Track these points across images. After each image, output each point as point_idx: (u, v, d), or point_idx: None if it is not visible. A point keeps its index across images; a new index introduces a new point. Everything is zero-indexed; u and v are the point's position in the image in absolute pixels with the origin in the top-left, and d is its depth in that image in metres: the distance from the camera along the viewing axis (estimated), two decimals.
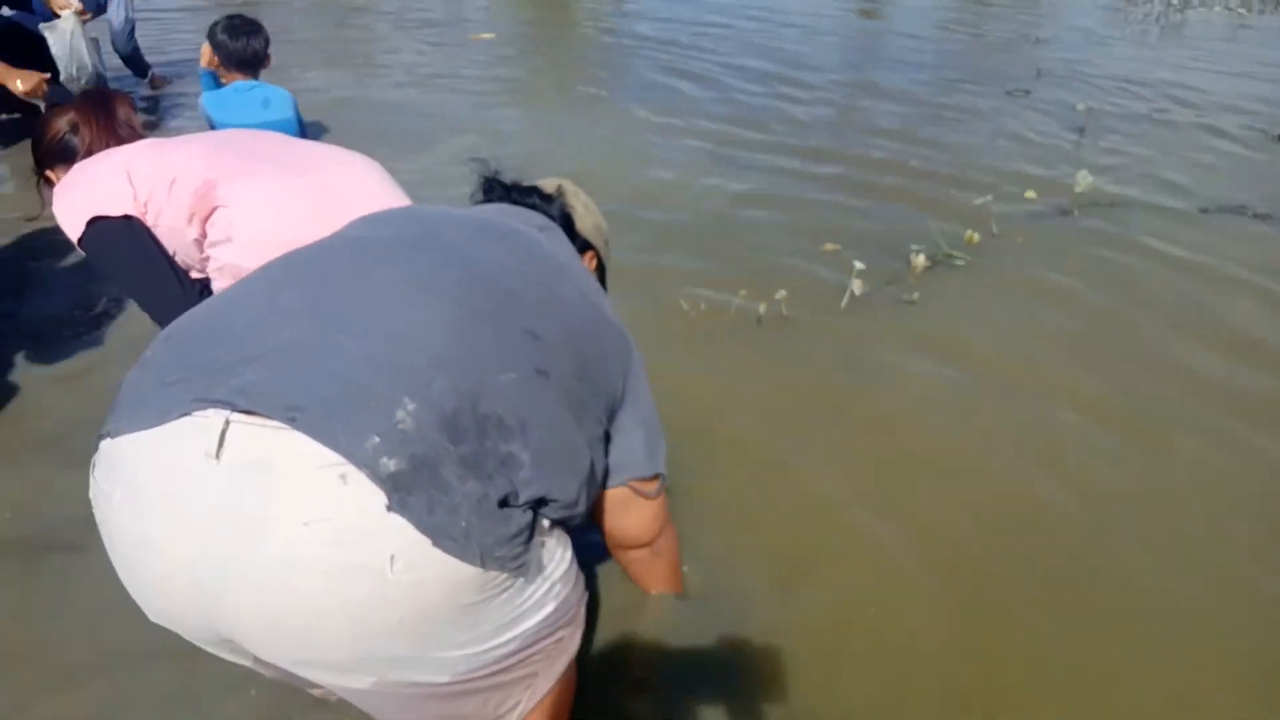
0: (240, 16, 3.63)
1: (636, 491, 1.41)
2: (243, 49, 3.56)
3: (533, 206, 1.53)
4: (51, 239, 3.14)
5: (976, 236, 3.29)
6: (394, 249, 1.20)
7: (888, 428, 2.28)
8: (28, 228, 3.35)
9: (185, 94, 5.10)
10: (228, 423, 0.95)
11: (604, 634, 1.66)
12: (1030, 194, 3.65)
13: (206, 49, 3.68)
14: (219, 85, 3.80)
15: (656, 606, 1.70)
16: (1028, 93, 5.58)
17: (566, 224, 1.56)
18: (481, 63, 6.05)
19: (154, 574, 1.00)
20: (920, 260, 3.11)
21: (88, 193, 1.90)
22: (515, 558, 1.04)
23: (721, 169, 4.13)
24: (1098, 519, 1.98)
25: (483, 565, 0.99)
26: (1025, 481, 2.10)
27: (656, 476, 1.43)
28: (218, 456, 0.94)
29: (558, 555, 1.19)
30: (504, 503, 1.01)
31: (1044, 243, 3.41)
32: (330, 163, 2.08)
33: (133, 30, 5.05)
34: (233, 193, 1.92)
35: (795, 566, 1.84)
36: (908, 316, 2.84)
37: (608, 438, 1.34)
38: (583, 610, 1.31)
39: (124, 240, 1.91)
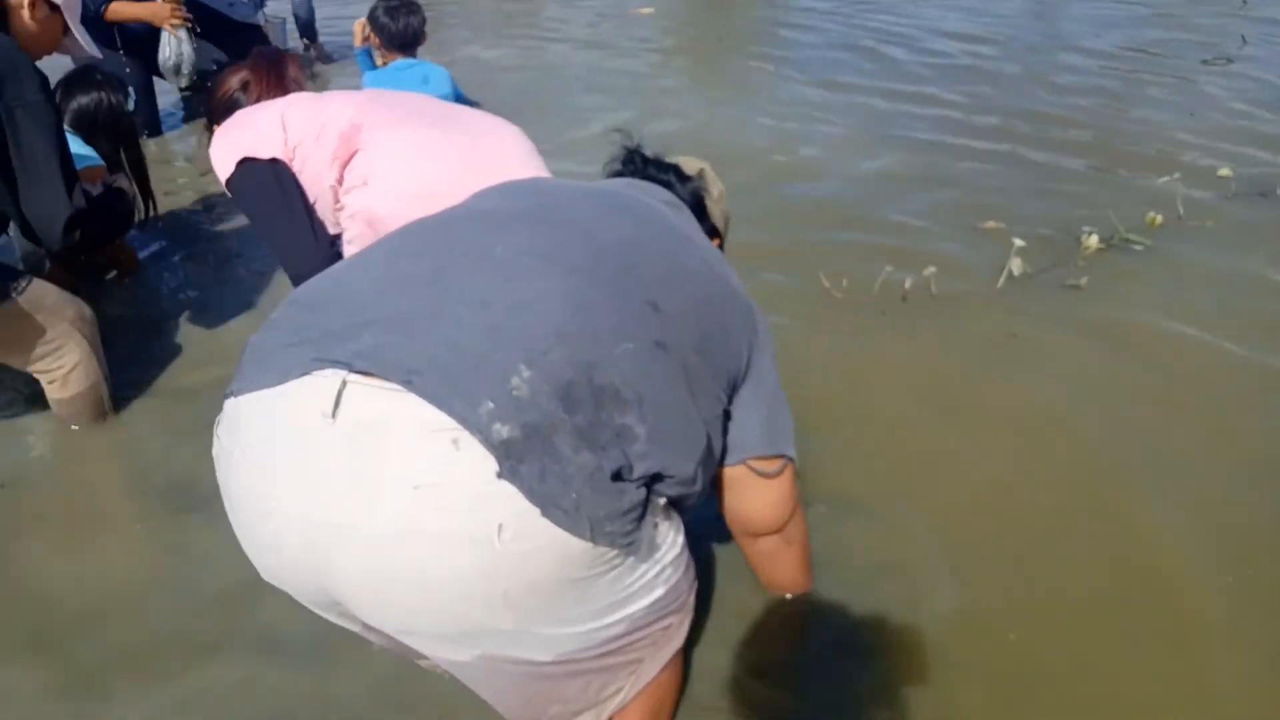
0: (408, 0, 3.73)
1: (755, 471, 1.36)
2: (403, 29, 3.66)
3: (667, 184, 1.50)
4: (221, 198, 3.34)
5: (1159, 219, 3.00)
6: (518, 221, 1.21)
7: (1033, 421, 2.09)
8: (207, 182, 3.60)
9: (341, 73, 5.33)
10: (344, 383, 0.96)
11: (715, 627, 1.60)
12: (1224, 172, 3.29)
13: (359, 27, 3.80)
14: (374, 65, 3.93)
15: (774, 598, 1.63)
16: (1229, 61, 5.05)
17: (698, 206, 1.53)
18: (641, 36, 6.01)
19: (267, 531, 1.03)
20: (1092, 242, 2.85)
21: (241, 135, 1.98)
22: (626, 534, 1.01)
23: (882, 142, 3.95)
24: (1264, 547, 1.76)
25: (592, 539, 0.97)
26: (1172, 497, 1.89)
27: (779, 457, 1.36)
28: (334, 416, 0.95)
29: (670, 538, 1.16)
30: (617, 476, 0.99)
31: (1238, 228, 3.07)
32: (476, 126, 2.09)
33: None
34: (375, 138, 1.94)
35: (914, 559, 1.73)
36: (1071, 302, 2.61)
37: (728, 415, 1.30)
38: (692, 599, 1.28)
39: (267, 183, 1.96)
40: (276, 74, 2.19)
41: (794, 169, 3.68)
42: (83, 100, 2.65)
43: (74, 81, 2.68)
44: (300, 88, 2.21)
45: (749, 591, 1.63)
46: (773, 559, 1.55)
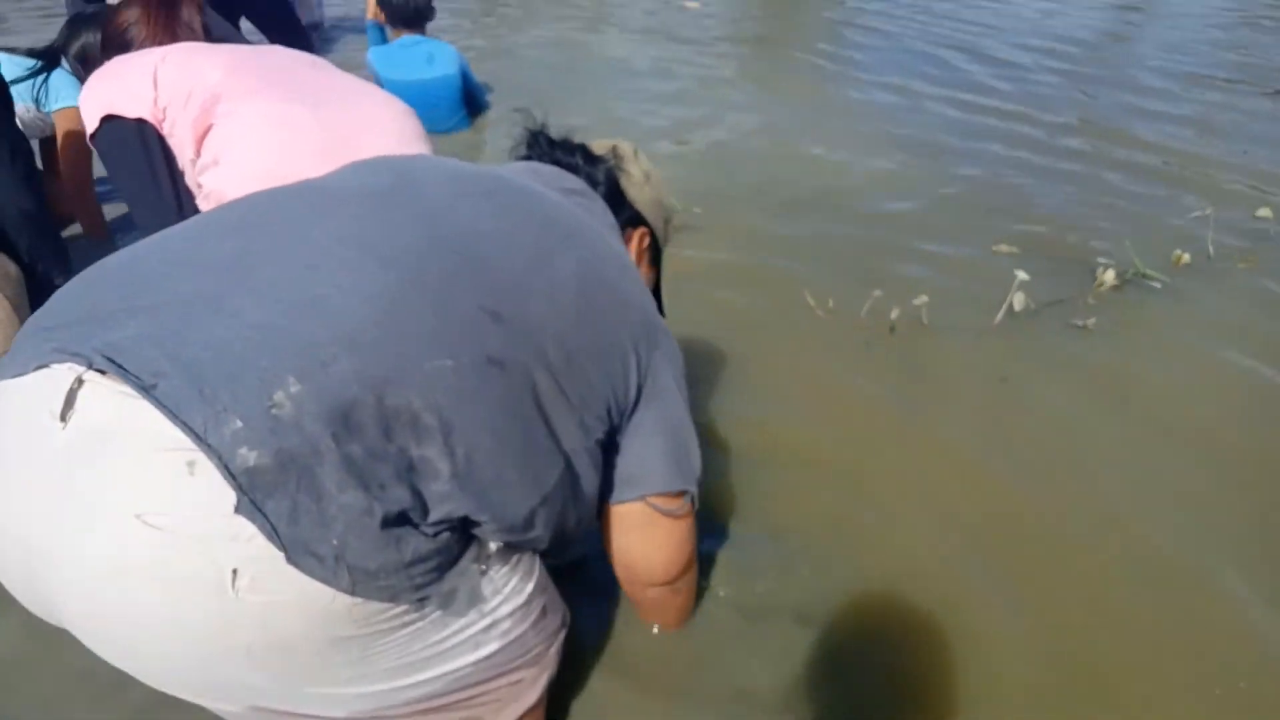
0: None
1: (657, 509, 1.20)
2: (405, 5, 3.57)
3: (572, 168, 1.35)
4: None
5: (1186, 257, 2.78)
6: (355, 202, 1.02)
7: (1009, 477, 1.90)
8: None
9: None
10: (80, 381, 0.81)
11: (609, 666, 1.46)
12: (1264, 213, 3.04)
13: (372, 2, 3.73)
14: (384, 39, 3.85)
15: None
16: None
17: (613, 191, 1.37)
18: (689, 33, 5.84)
19: None
20: (1107, 277, 2.64)
21: (110, 88, 1.80)
22: (416, 588, 0.86)
23: (913, 150, 3.76)
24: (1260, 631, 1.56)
25: (354, 593, 0.81)
26: (1169, 568, 1.69)
27: (683, 494, 1.21)
28: (63, 419, 0.81)
29: (509, 585, 1.02)
30: (400, 520, 0.83)
31: (1270, 272, 2.83)
32: (357, 102, 1.89)
33: None
34: (234, 109, 1.75)
35: (863, 606, 1.56)
36: (1075, 344, 2.40)
37: (612, 444, 1.15)
38: (554, 650, 1.15)
39: (132, 144, 1.78)
40: (167, 14, 1.97)
41: (821, 176, 3.51)
42: (89, 39, 2.58)
43: (82, 19, 2.61)
44: (193, 35, 1.98)
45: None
46: (658, 606, 1.42)
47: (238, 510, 0.76)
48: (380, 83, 3.72)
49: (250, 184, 1.57)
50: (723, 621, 1.52)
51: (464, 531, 0.92)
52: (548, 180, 1.26)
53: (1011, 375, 2.25)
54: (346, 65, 4.81)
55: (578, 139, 1.41)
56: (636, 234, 1.41)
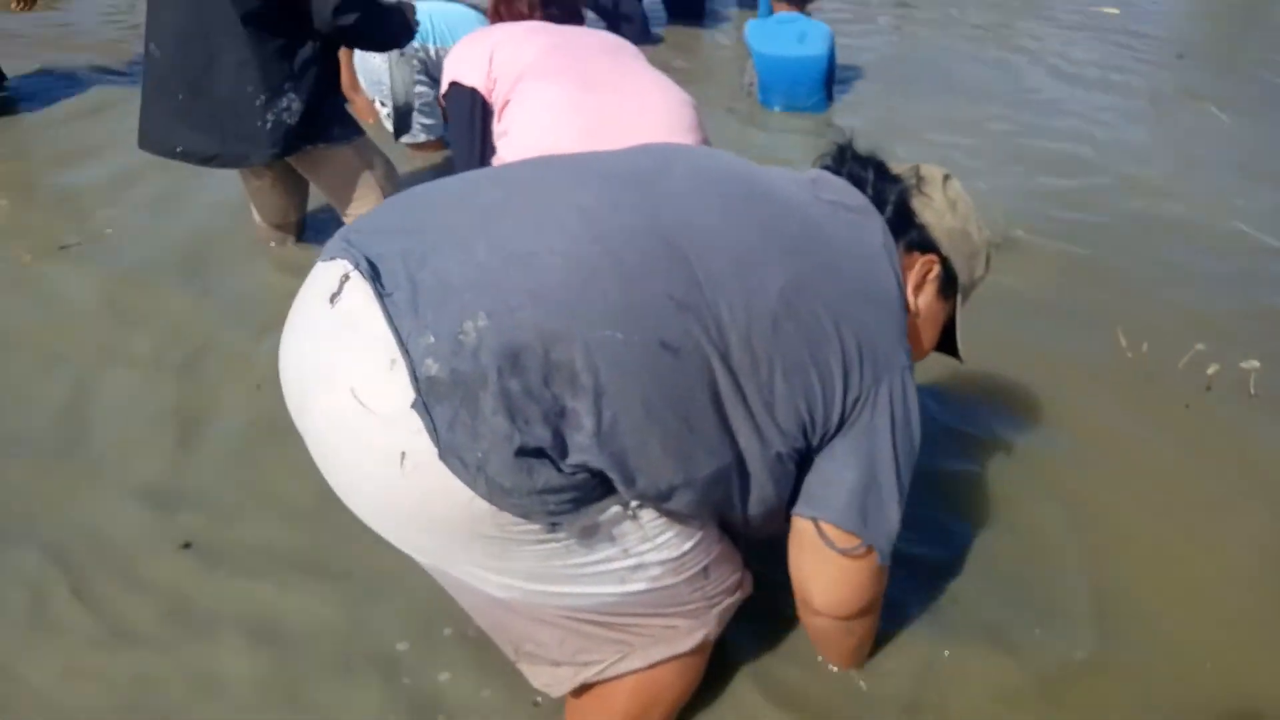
0: None
1: (823, 536, 1.19)
2: None
3: (861, 183, 1.30)
4: None
5: None
6: (604, 178, 1.13)
7: None
8: None
9: None
10: (347, 276, 1.00)
11: None
12: None
13: None
14: (771, 10, 4.01)
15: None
16: None
17: (900, 212, 1.30)
18: (1095, 40, 5.43)
19: (284, 382, 1.12)
20: None
21: (459, 59, 2.16)
22: (547, 513, 0.99)
23: None
24: None
25: (490, 501, 0.96)
26: None
27: (858, 537, 1.19)
28: (332, 302, 1.02)
29: (660, 538, 1.11)
30: (536, 453, 0.95)
31: None
32: (636, 90, 2.09)
33: None
34: (527, 89, 2.03)
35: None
36: None
37: (806, 462, 1.18)
38: (716, 612, 1.24)
39: (464, 109, 2.13)
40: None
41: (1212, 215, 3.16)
42: None
43: None
44: (539, 15, 2.26)
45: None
46: (825, 637, 1.42)
47: (413, 406, 0.93)
48: (752, 54, 3.92)
49: (522, 155, 1.86)
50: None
51: (605, 480, 1.01)
52: (825, 190, 1.25)
53: None
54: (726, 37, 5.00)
55: (891, 160, 1.38)
56: (922, 260, 1.31)
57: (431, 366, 0.92)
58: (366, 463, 0.99)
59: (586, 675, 1.21)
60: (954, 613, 1.58)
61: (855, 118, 3.90)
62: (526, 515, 0.98)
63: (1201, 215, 3.14)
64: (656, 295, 1.01)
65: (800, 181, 1.26)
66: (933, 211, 1.33)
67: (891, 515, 1.19)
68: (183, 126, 2.27)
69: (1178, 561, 1.71)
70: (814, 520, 1.19)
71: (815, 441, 1.15)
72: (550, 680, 1.23)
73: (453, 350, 0.92)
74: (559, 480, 0.96)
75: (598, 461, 0.97)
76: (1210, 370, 2.18)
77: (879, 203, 1.28)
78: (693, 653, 1.25)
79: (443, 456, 0.93)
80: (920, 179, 1.34)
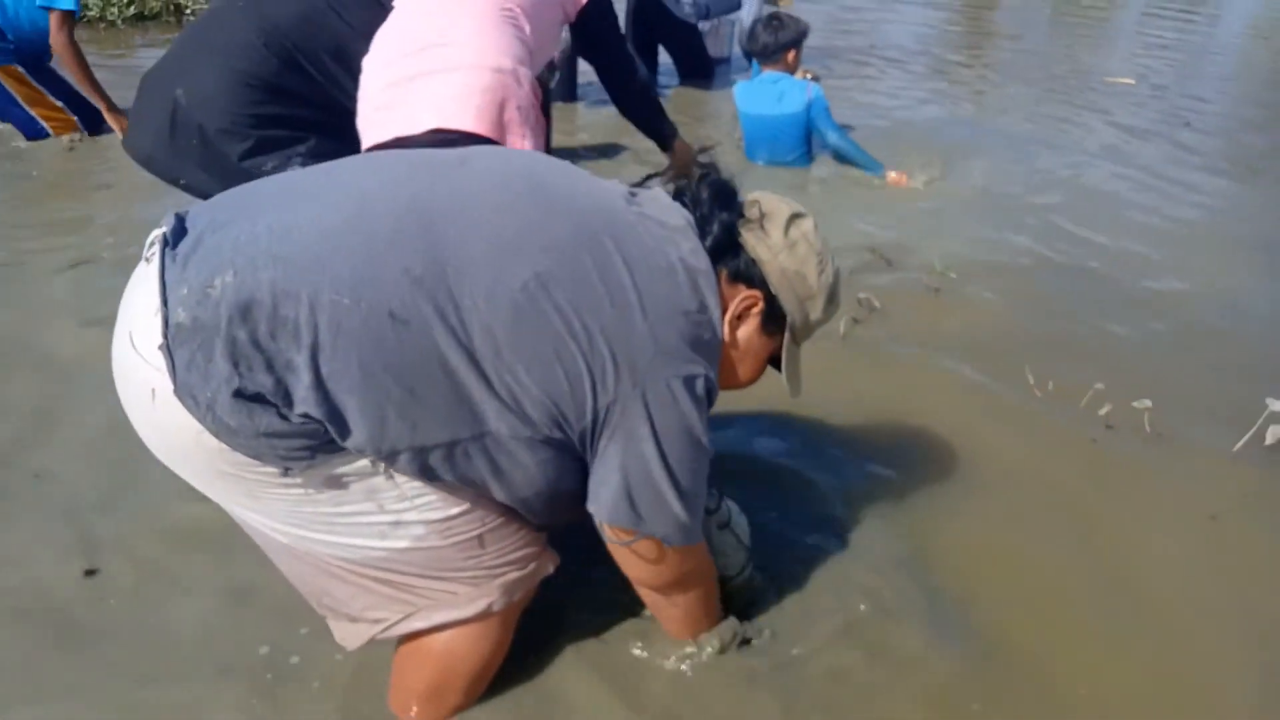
0: (779, 16, 3.99)
1: (604, 530, 1.29)
2: (759, 43, 3.96)
3: (696, 204, 1.32)
4: None
5: None
6: (398, 163, 1.24)
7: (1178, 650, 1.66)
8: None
9: None
10: (161, 238, 1.11)
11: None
12: None
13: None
14: (760, 72, 4.24)
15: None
16: None
17: (723, 242, 1.31)
18: (1108, 112, 5.54)
19: None
20: None
21: None
22: (278, 457, 1.08)
23: None
24: None
25: (219, 438, 1.06)
26: None
27: (632, 530, 1.25)
28: (146, 259, 1.12)
29: (421, 499, 1.18)
30: (256, 399, 1.04)
31: None
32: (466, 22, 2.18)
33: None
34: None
35: None
36: None
37: (578, 451, 1.22)
38: (499, 584, 1.29)
39: None
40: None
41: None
42: None
43: None
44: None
45: None
46: (652, 605, 1.49)
47: (159, 348, 1.04)
48: (739, 116, 4.16)
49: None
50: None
51: (324, 428, 1.07)
52: (644, 205, 1.27)
53: (1223, 514, 1.98)
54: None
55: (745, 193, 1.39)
56: (746, 293, 1.32)
57: (180, 314, 1.03)
58: (133, 398, 1.12)
59: (375, 632, 1.29)
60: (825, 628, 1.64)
61: (834, 171, 4.11)
62: (258, 456, 1.07)
63: (1127, 272, 3.24)
64: (394, 269, 1.07)
65: (619, 194, 1.29)
66: (766, 248, 1.32)
67: (671, 507, 1.22)
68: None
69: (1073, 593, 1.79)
70: (600, 523, 1.27)
71: (575, 438, 1.18)
72: (347, 634, 1.33)
73: (198, 301, 1.03)
74: (283, 427, 1.05)
75: (316, 412, 1.04)
76: (1103, 411, 2.26)
77: (704, 226, 1.30)
78: (481, 621, 1.31)
79: (178, 393, 1.04)
80: (763, 215, 1.33)
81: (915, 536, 1.87)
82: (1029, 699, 1.53)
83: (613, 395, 1.15)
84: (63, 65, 4.04)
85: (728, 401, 1.60)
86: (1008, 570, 1.80)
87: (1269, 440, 2.18)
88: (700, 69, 5.61)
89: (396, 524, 1.18)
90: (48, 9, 3.86)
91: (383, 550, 1.20)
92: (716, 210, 1.31)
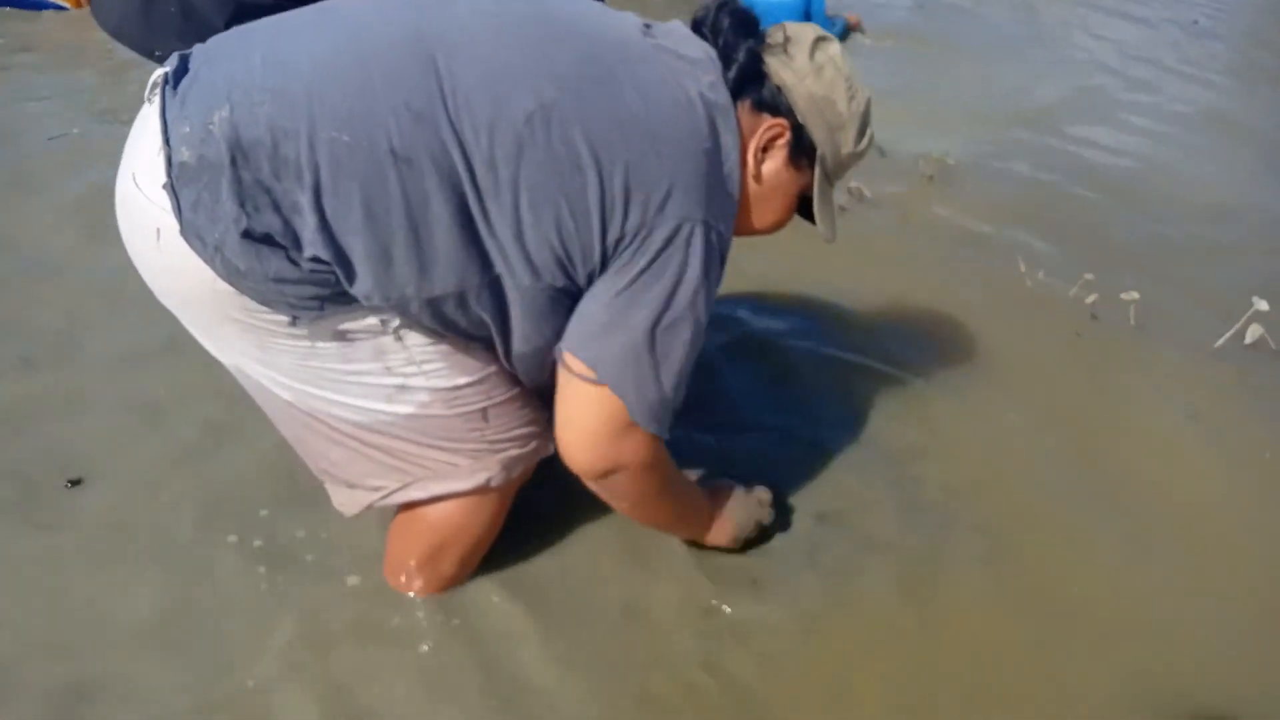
0: None
1: (566, 366, 1.15)
2: None
3: (716, 34, 1.21)
4: None
5: None
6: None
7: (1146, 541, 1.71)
8: None
9: None
10: (163, 78, 1.08)
11: None
12: None
13: None
14: None
15: None
16: None
17: (749, 71, 1.21)
18: (1113, 9, 5.39)
19: None
20: None
21: None
22: (288, 305, 1.06)
23: None
24: None
25: (229, 282, 1.03)
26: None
27: (592, 369, 1.14)
28: (148, 99, 1.09)
29: (428, 365, 1.17)
30: (265, 239, 1.01)
31: None
32: None
33: None
34: None
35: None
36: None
37: (574, 301, 1.16)
38: (499, 459, 1.26)
39: None
40: None
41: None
42: None
43: None
44: None
45: None
46: (607, 499, 1.30)
47: (163, 187, 1.01)
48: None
49: None
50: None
51: (333, 274, 1.04)
52: (661, 37, 1.19)
53: (1205, 410, 2.01)
54: None
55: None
56: (771, 122, 1.22)
57: (184, 153, 1.00)
58: (138, 239, 1.09)
59: (374, 499, 1.28)
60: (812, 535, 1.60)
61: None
62: (267, 303, 1.05)
63: (1134, 166, 3.21)
64: (393, 104, 1.01)
65: (634, 25, 1.20)
66: (792, 73, 1.21)
67: (648, 372, 1.13)
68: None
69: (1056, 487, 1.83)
70: (561, 353, 1.16)
71: (582, 282, 1.13)
72: (345, 500, 1.31)
73: (201, 139, 1.00)
74: (292, 272, 1.03)
75: (324, 254, 1.01)
76: (1089, 300, 2.27)
77: (727, 56, 1.20)
78: (478, 495, 1.29)
79: (184, 234, 1.01)
80: (787, 39, 1.24)
81: (897, 426, 1.88)
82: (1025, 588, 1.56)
83: (619, 232, 1.09)
84: None
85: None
86: (987, 463, 1.81)
87: (1249, 339, 2.20)
88: None
89: (403, 388, 1.17)
90: None
91: (387, 415, 1.18)
92: (739, 37, 1.21)
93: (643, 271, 1.10)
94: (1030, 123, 3.53)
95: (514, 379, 1.26)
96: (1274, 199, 3.14)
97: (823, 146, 1.25)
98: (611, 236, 1.09)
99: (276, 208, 1.00)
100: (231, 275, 1.03)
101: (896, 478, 1.73)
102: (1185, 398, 2.05)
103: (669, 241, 1.10)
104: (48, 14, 3.96)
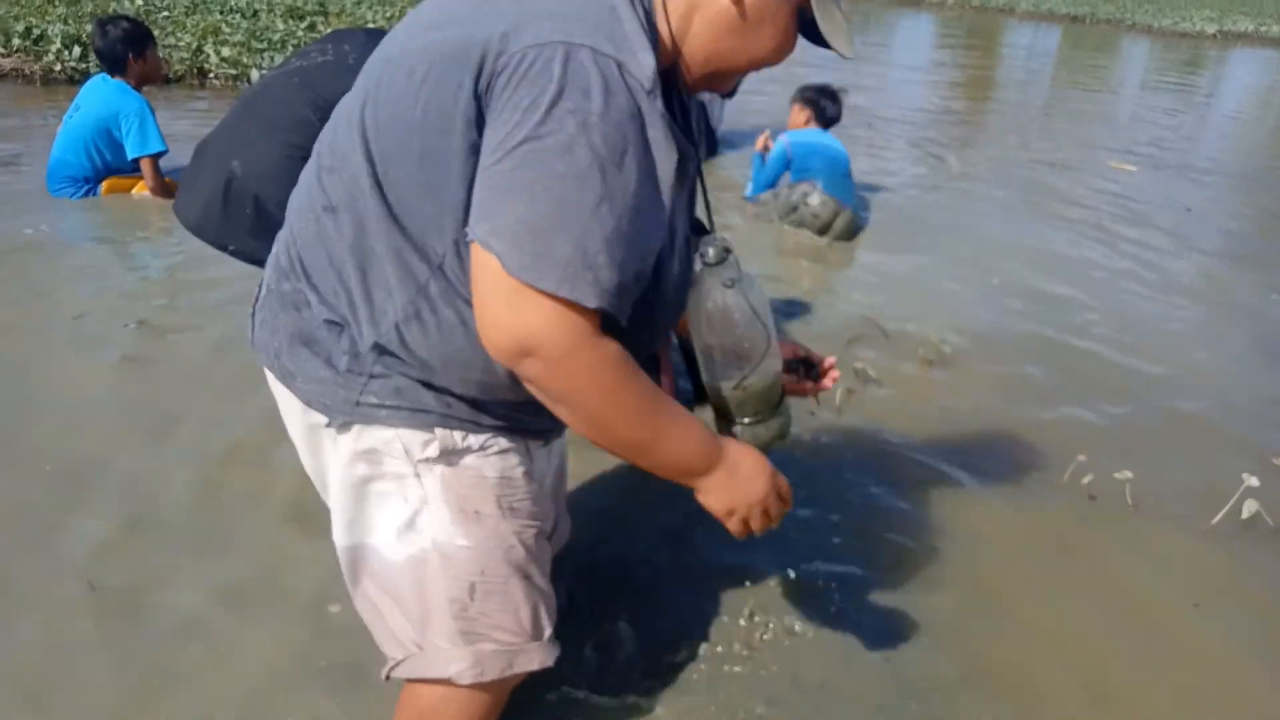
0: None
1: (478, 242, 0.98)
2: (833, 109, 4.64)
3: None
4: None
5: None
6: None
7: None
8: None
9: None
10: None
11: None
12: None
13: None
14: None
15: None
16: None
17: None
18: (1109, 194, 5.69)
19: None
20: None
21: None
22: (324, 403, 1.14)
23: None
24: None
25: (284, 384, 1.18)
26: None
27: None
28: None
29: (436, 505, 1.18)
30: (307, 340, 1.15)
31: None
32: None
33: None
34: None
35: None
36: None
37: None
38: (475, 654, 1.22)
39: None
40: None
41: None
42: None
43: None
44: None
45: None
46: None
47: (250, 317, 1.28)
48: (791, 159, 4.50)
49: None
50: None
51: (385, 403, 1.13)
52: None
53: (1203, 601, 2.04)
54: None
55: None
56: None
57: (270, 280, 1.23)
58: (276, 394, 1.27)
59: (386, 670, 1.27)
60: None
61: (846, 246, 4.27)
62: (308, 401, 1.16)
63: (1115, 351, 3.36)
64: (315, 167, 1.16)
65: None
66: None
67: (514, 213, 0.94)
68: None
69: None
70: (479, 242, 0.97)
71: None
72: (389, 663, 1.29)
73: (271, 267, 1.23)
74: (326, 373, 1.14)
75: (331, 315, 1.13)
76: (1085, 480, 2.35)
77: None
78: (456, 688, 1.23)
79: (253, 346, 1.22)
80: None
81: (895, 602, 1.94)
82: None
83: (487, 83, 0.96)
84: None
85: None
86: (986, 655, 1.85)
87: (1245, 514, 2.26)
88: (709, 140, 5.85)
89: (409, 526, 1.19)
90: (139, 158, 4.05)
91: (389, 556, 1.21)
92: None
93: (504, 108, 0.95)
94: (1024, 304, 3.71)
95: (512, 568, 1.22)
96: (1260, 375, 3.24)
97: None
98: (481, 86, 0.97)
99: (299, 306, 1.16)
100: (285, 378, 1.18)
101: (889, 659, 1.79)
102: (1188, 587, 2.09)
103: (530, 64, 0.94)
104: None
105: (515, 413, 1.17)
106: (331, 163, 1.11)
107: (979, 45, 14.72)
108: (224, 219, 2.48)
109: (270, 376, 1.23)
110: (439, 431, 1.15)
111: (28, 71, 6.19)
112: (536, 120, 0.92)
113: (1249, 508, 2.26)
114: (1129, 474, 2.33)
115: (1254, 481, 2.26)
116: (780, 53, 1.11)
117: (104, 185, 4.15)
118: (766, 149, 4.64)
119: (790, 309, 3.44)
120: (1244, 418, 2.91)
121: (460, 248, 1.03)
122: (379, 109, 1.05)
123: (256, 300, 1.24)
